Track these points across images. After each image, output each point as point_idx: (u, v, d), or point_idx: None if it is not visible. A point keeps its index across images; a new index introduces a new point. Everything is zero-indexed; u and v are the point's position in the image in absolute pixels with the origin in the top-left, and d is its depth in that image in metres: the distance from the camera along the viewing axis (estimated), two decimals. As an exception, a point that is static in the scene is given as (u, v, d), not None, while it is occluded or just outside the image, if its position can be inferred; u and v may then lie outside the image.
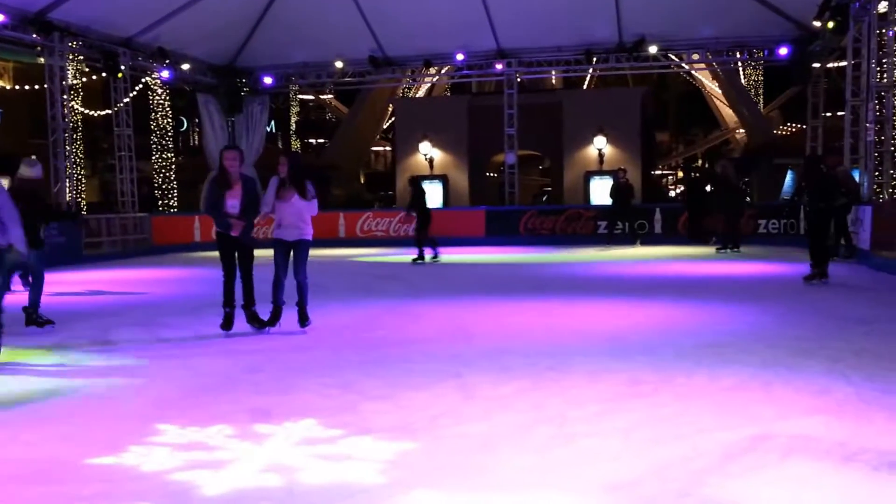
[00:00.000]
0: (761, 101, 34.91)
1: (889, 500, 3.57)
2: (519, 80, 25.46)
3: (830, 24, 18.81)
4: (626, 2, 21.49)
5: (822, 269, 11.38)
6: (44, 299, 11.64)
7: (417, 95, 35.72)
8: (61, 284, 11.75)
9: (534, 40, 23.26)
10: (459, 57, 24.07)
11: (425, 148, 30.30)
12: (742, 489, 3.67)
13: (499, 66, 24.10)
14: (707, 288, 11.51)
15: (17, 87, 30.01)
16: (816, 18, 19.60)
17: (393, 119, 34.96)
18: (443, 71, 28.20)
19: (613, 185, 21.28)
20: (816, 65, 22.48)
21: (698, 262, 16.01)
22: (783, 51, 22.27)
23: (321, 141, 43.86)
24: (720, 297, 10.42)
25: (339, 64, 24.51)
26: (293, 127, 33.58)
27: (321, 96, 41.43)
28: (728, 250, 17.80)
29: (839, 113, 22.63)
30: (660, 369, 6.22)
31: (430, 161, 30.47)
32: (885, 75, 16.79)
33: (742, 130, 35.37)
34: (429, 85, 34.30)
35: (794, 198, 12.25)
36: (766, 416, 4.85)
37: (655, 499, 3.59)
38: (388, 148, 42.39)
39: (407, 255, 17.40)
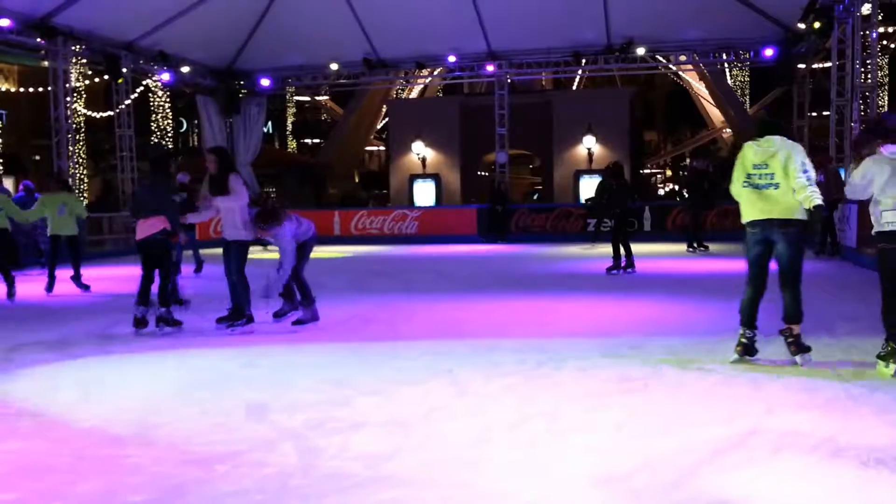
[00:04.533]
0: (747, 101, 35.49)
1: (877, 496, 3.57)
2: (509, 80, 25.97)
3: (815, 26, 18.96)
4: (615, 4, 21.83)
5: (618, 261, 13.31)
6: (46, 295, 11.76)
7: (410, 96, 36.22)
8: (64, 281, 12.03)
9: (524, 42, 23.69)
10: (451, 59, 24.51)
11: (418, 147, 30.86)
12: (731, 483, 3.68)
13: (490, 68, 24.53)
14: (695, 284, 11.55)
15: (21, 89, 30.46)
16: (801, 20, 19.83)
17: (386, 119, 35.54)
18: (435, 72, 28.73)
19: (600, 184, 21.68)
20: (801, 66, 22.71)
21: (686, 259, 16.11)
22: (769, 52, 22.53)
23: (317, 141, 44.31)
24: (707, 293, 10.43)
25: (333, 66, 25.03)
26: (289, 128, 34.11)
27: (317, 98, 41.87)
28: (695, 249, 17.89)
29: (825, 112, 22.89)
30: (649, 365, 6.21)
31: (423, 160, 31.03)
32: (869, 76, 17.12)
33: (729, 130, 35.97)
34: (421, 86, 34.81)
35: (589, 201, 13.95)
36: (755, 412, 4.85)
37: (645, 492, 3.60)
38: (381, 147, 42.87)
39: (401, 253, 17.53)
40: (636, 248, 18.99)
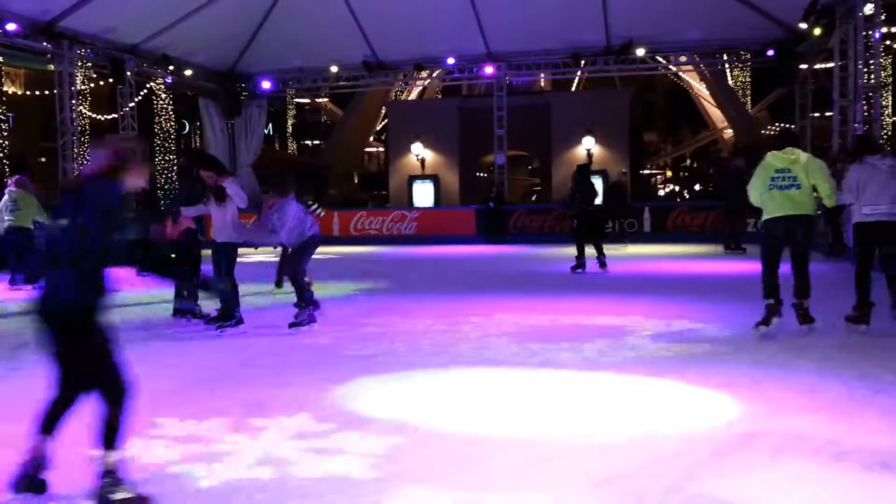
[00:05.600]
0: (749, 102, 35.38)
1: (881, 499, 3.55)
2: (508, 82, 26.06)
3: (817, 27, 18.85)
4: (614, 5, 21.88)
5: (581, 261, 13.64)
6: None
7: (409, 98, 36.35)
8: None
9: (523, 44, 23.77)
10: (450, 61, 24.64)
11: (417, 149, 31.00)
12: (733, 486, 3.68)
13: (488, 70, 24.59)
14: (696, 286, 11.58)
15: (28, 92, 30.74)
16: (803, 20, 19.71)
17: (386, 121, 35.68)
18: (434, 74, 28.85)
19: (606, 185, 21.90)
20: (803, 66, 22.64)
21: (687, 260, 16.14)
22: (770, 52, 22.47)
23: (317, 143, 44.52)
24: (709, 294, 10.46)
25: (334, 69, 25.23)
26: (290, 129, 34.33)
27: (317, 100, 41.98)
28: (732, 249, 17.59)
29: (827, 113, 22.68)
30: (651, 366, 6.23)
31: (422, 161, 31.17)
32: (872, 76, 16.93)
33: (730, 130, 35.95)
34: (420, 88, 34.96)
35: (569, 201, 14.12)
36: (757, 414, 4.85)
37: (646, 494, 3.58)
38: (381, 149, 42.98)
39: (400, 253, 17.58)
40: (636, 248, 19.40)
